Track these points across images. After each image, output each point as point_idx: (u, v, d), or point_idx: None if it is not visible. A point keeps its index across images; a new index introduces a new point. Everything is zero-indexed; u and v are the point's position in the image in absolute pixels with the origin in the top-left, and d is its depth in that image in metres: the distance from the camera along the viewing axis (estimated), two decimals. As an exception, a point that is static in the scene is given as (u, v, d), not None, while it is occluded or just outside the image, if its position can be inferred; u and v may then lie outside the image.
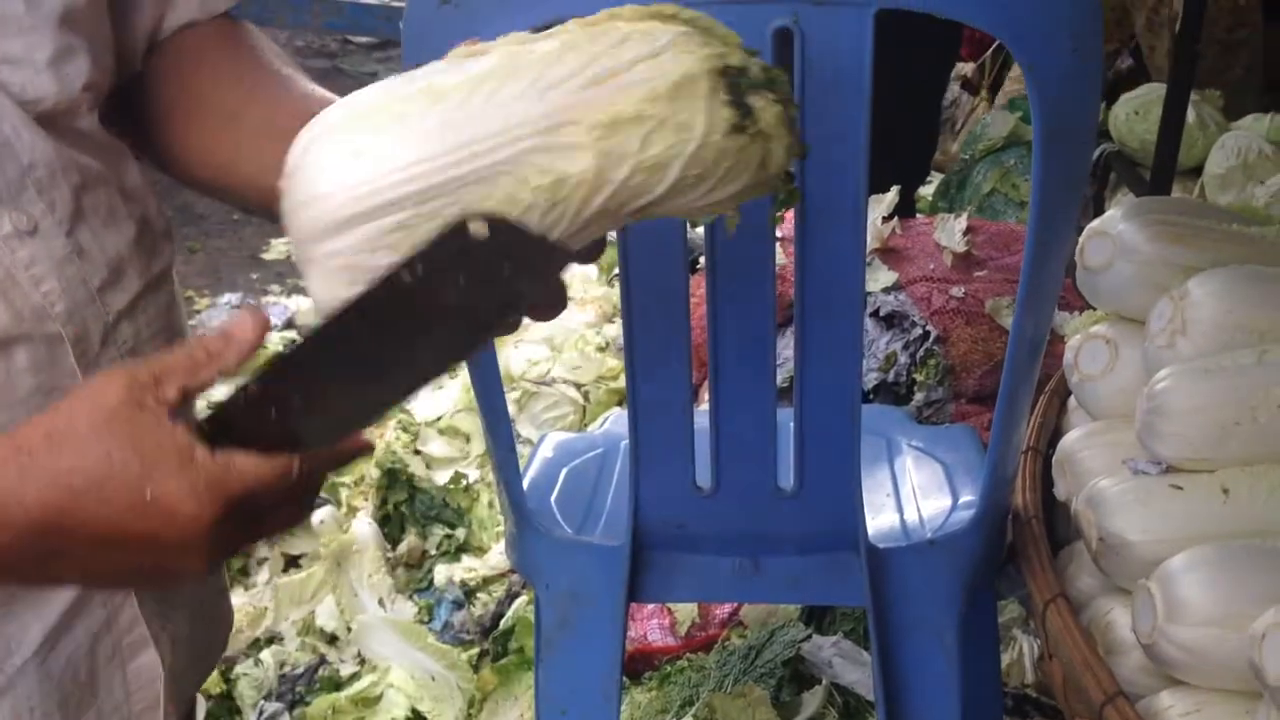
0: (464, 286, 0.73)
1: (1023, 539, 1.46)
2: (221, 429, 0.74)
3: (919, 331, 2.66)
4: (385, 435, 2.87)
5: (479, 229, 0.71)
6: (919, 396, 2.59)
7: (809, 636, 2.01)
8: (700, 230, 1.29)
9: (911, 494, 1.60)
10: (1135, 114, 2.99)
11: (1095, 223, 1.56)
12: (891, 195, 2.96)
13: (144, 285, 0.91)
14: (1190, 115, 2.90)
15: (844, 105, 1.18)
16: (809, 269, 1.26)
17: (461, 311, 0.74)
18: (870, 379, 2.65)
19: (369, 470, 2.79)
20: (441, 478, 2.85)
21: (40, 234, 0.82)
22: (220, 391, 0.75)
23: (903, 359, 2.65)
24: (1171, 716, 1.25)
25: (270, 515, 0.76)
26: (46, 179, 0.83)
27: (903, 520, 1.52)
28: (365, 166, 0.73)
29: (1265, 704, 1.17)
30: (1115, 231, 1.53)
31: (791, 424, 1.35)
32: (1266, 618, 1.14)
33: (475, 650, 2.38)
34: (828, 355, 1.29)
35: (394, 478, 2.76)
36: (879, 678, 1.34)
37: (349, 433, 0.79)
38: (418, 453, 2.93)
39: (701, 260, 1.31)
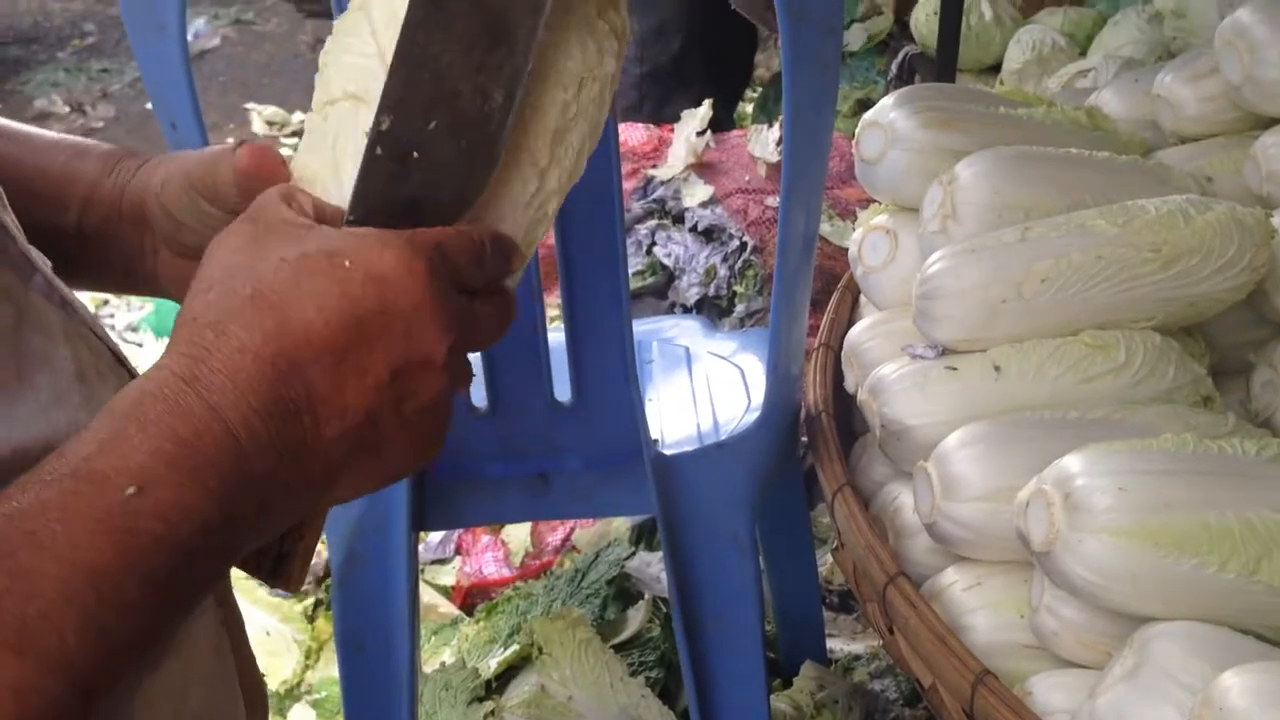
0: None
1: (813, 433, 1.47)
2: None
3: (736, 243, 2.66)
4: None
5: None
6: (740, 308, 2.59)
7: (633, 554, 2.01)
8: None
9: (709, 401, 1.59)
10: (934, 14, 3.01)
11: (868, 114, 1.56)
12: (704, 109, 2.94)
13: None
14: (988, 12, 2.94)
15: None
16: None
17: None
18: (692, 294, 2.65)
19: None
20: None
21: None
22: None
23: (722, 272, 2.65)
24: (955, 591, 1.27)
25: (477, 302, 0.63)
26: None
27: (698, 427, 1.51)
28: None
29: (1037, 572, 1.19)
30: (886, 121, 1.53)
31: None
32: (1029, 487, 1.16)
33: (310, 600, 2.33)
34: (592, 265, 1.27)
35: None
36: (672, 580, 1.33)
37: (471, 189, 0.65)
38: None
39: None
